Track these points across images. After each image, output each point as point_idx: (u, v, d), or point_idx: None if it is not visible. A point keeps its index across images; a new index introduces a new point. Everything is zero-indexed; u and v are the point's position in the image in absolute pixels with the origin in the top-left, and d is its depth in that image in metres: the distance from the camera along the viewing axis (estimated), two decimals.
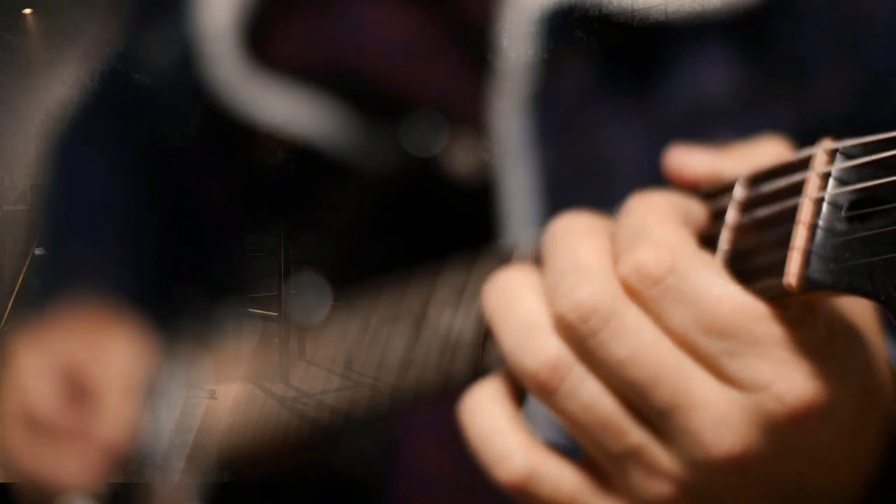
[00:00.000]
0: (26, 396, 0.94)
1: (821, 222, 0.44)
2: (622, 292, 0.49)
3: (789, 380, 0.47)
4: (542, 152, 0.77)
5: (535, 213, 0.77)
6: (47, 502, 0.94)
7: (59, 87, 1.02)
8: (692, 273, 0.47)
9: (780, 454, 0.49)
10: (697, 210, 0.53)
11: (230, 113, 0.87)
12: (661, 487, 0.51)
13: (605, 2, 0.74)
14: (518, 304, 0.53)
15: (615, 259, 0.50)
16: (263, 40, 0.88)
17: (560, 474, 0.53)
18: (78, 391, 0.94)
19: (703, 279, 0.47)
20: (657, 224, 0.49)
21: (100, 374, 0.94)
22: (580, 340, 0.50)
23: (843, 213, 0.44)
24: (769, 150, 0.55)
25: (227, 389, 0.95)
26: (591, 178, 0.78)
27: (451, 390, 0.66)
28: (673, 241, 0.48)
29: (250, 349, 0.96)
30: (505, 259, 0.63)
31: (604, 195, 0.77)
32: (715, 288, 0.47)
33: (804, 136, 0.73)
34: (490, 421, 0.54)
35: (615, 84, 0.76)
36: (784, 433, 0.48)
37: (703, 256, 0.48)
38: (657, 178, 0.75)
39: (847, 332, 0.49)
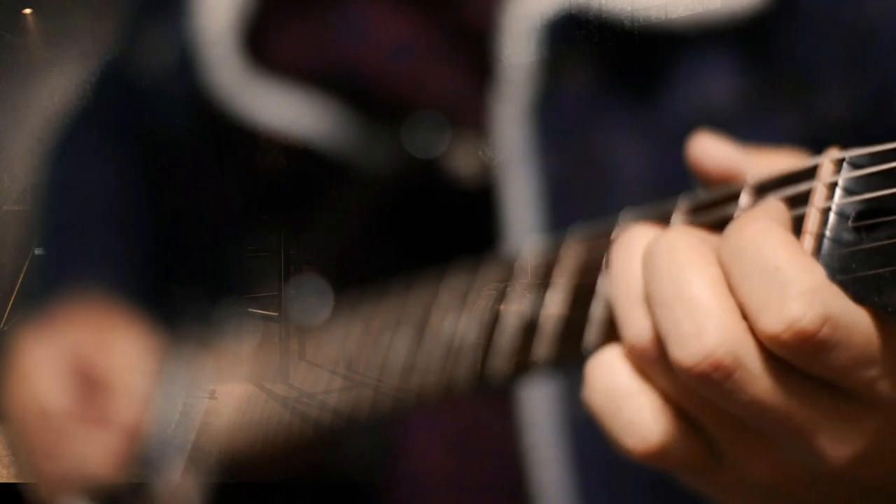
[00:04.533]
0: (35, 393, 0.94)
1: (828, 232, 0.44)
2: (746, 338, 0.46)
3: None
4: (545, 157, 0.76)
5: (537, 218, 0.77)
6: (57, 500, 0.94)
7: (58, 87, 1.01)
8: (843, 317, 0.45)
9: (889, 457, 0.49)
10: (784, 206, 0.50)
11: (230, 115, 0.87)
12: (774, 479, 0.50)
13: (608, 9, 0.74)
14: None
15: (746, 305, 0.46)
16: (264, 42, 0.88)
17: (687, 444, 0.51)
18: (87, 381, 0.94)
19: (853, 320, 0.45)
20: (790, 263, 0.45)
21: (108, 363, 0.94)
22: (704, 386, 0.48)
23: (849, 224, 0.43)
24: (785, 161, 0.55)
25: (227, 389, 0.95)
26: (593, 183, 0.77)
27: (453, 396, 0.66)
28: (816, 283, 0.45)
29: (251, 349, 0.96)
30: (507, 266, 0.63)
31: (606, 200, 0.77)
32: (863, 326, 0.45)
33: (808, 145, 0.73)
34: (619, 386, 0.52)
35: (618, 90, 0.76)
36: None
37: (843, 294, 0.46)
38: (659, 185, 0.75)
39: None
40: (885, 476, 0.50)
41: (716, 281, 0.47)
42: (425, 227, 0.84)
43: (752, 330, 0.46)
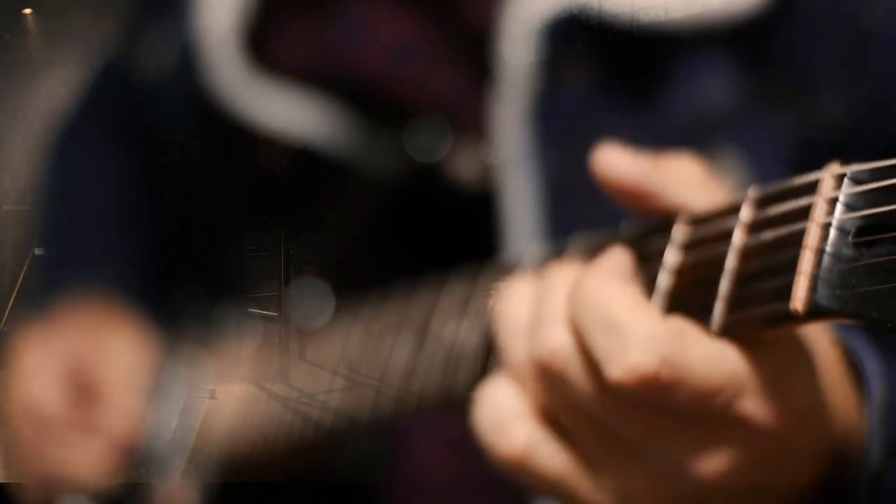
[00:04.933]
0: (31, 395, 0.94)
1: (828, 247, 0.44)
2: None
3: (762, 406, 0.50)
4: (544, 160, 0.76)
5: (537, 219, 0.77)
6: (50, 502, 0.94)
7: (59, 87, 1.01)
8: (681, 356, 0.48)
9: (756, 465, 0.51)
10: (625, 255, 0.55)
11: (232, 115, 0.87)
12: (646, 486, 0.53)
13: (607, 11, 0.74)
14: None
15: (593, 356, 0.51)
16: (265, 43, 0.88)
17: (554, 452, 0.54)
18: (83, 387, 0.94)
19: (692, 356, 0.49)
20: (627, 313, 0.50)
21: (104, 370, 0.94)
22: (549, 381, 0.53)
23: (850, 239, 0.43)
24: (688, 170, 0.56)
25: (227, 390, 0.95)
26: (592, 186, 0.77)
27: (454, 402, 0.66)
28: (652, 330, 0.49)
29: (251, 349, 0.96)
30: (509, 272, 0.63)
31: (605, 204, 0.77)
32: (705, 360, 0.49)
33: (806, 149, 0.73)
34: (495, 398, 0.56)
35: (616, 93, 0.76)
36: (762, 447, 0.51)
37: (682, 330, 0.49)
38: None
39: (794, 351, 0.52)
40: (760, 482, 0.52)
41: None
42: (426, 230, 0.84)
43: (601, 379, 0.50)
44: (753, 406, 0.49)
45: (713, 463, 0.50)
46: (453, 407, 0.67)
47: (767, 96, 0.75)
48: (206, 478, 0.93)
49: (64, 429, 0.93)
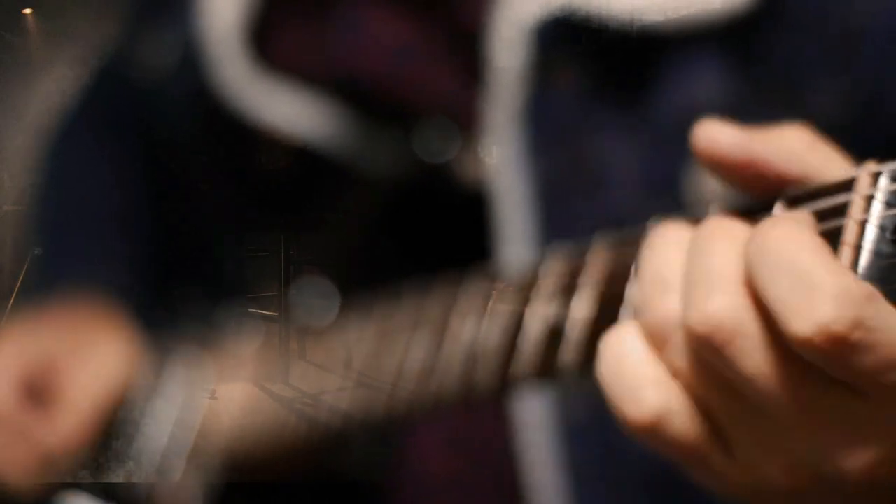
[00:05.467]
0: None
1: (866, 244, 0.44)
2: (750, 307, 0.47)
3: None
4: (537, 161, 0.77)
5: (531, 223, 0.77)
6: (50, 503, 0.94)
7: (59, 87, 1.01)
8: (874, 319, 0.44)
9: None
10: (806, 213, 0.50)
11: (234, 115, 0.87)
12: (790, 483, 0.50)
13: (599, 12, 0.74)
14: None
15: (774, 308, 0.46)
16: (267, 42, 0.88)
17: (689, 421, 0.51)
18: (38, 389, 0.93)
19: (885, 322, 0.44)
20: (820, 266, 0.45)
21: (68, 374, 0.94)
22: (707, 353, 0.48)
23: (888, 236, 0.44)
24: (796, 137, 0.55)
25: (227, 390, 0.95)
26: (585, 187, 0.77)
27: (472, 400, 0.66)
28: (847, 286, 0.44)
29: (251, 350, 0.96)
30: (531, 271, 0.63)
31: (599, 205, 0.77)
32: (894, 328, 0.44)
33: None
34: (627, 353, 0.52)
35: (609, 94, 0.76)
36: None
37: (875, 293, 0.45)
38: (651, 188, 0.75)
39: None
40: None
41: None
42: (426, 230, 0.84)
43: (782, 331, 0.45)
44: None
45: (865, 449, 0.47)
46: (470, 406, 0.67)
47: (760, 95, 0.75)
48: (207, 478, 0.93)
49: (7, 429, 0.93)
